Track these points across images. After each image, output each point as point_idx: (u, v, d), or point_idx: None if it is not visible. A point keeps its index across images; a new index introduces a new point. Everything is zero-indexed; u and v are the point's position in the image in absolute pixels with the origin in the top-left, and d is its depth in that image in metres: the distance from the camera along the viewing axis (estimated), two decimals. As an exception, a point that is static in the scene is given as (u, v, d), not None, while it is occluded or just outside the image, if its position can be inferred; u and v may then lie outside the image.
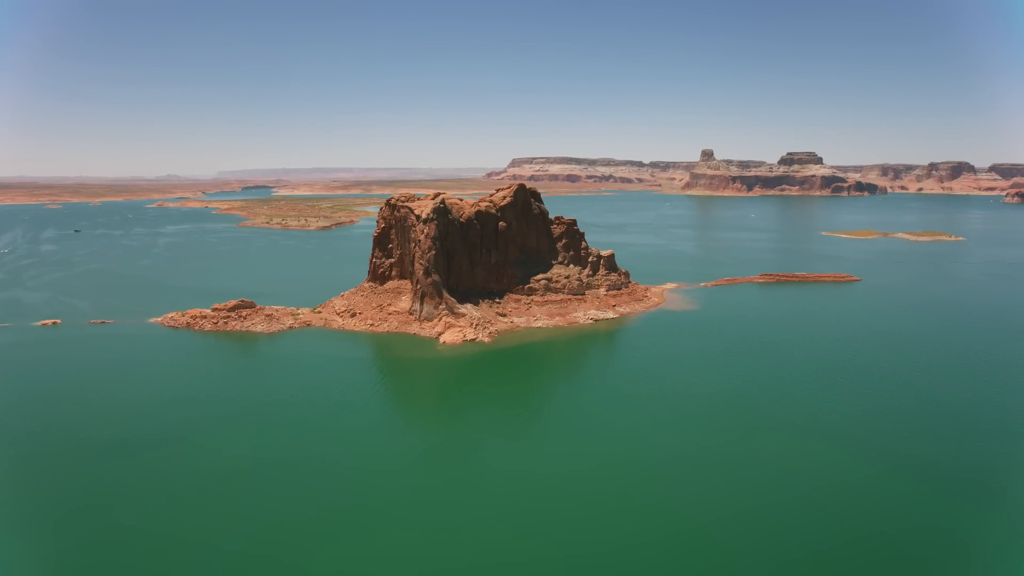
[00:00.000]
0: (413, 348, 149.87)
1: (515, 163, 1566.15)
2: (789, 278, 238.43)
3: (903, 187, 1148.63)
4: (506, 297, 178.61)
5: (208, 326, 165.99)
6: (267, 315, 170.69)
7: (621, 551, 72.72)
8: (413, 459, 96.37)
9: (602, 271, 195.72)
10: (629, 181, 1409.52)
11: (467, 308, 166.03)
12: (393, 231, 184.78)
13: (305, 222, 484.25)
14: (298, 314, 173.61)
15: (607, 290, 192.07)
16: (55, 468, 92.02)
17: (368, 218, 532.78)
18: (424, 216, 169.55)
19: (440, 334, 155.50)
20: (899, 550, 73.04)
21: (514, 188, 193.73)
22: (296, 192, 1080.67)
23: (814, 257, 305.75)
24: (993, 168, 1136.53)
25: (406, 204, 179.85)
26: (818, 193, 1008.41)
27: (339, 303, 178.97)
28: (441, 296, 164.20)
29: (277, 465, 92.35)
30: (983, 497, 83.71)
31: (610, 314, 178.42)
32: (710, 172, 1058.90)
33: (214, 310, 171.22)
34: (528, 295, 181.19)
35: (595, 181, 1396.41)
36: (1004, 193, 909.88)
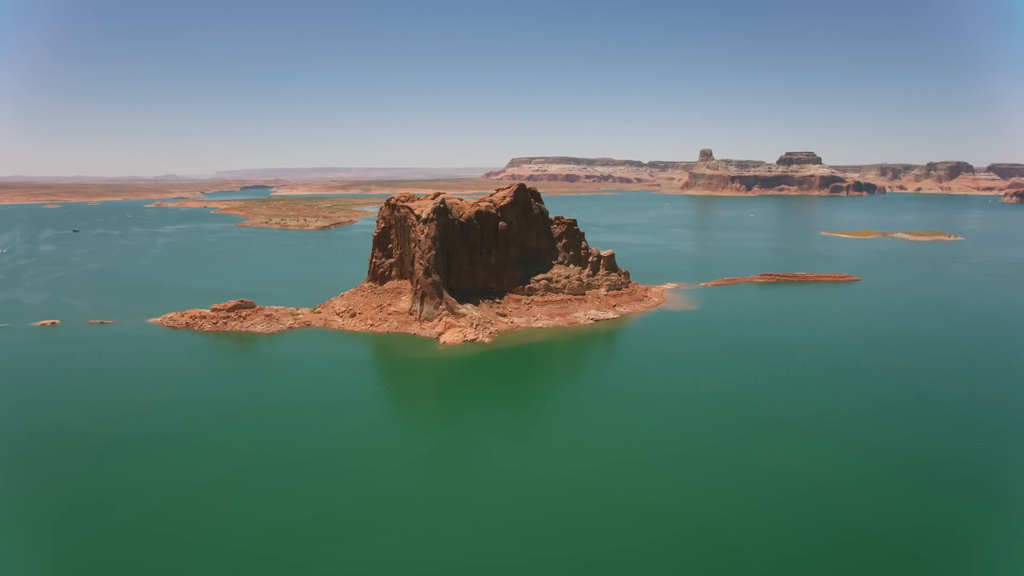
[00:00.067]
0: (413, 348, 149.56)
1: (514, 163, 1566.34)
2: (789, 278, 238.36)
3: (902, 187, 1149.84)
4: (506, 297, 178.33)
5: (207, 326, 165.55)
6: (267, 315, 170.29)
7: (622, 551, 72.56)
8: (414, 459, 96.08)
9: (602, 271, 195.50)
10: (628, 181, 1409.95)
11: (467, 308, 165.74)
12: (393, 231, 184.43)
13: (304, 222, 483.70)
14: (298, 314, 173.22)
15: (607, 290, 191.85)
16: (55, 468, 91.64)
17: (367, 218, 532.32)
18: (424, 216, 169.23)
19: (440, 334, 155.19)
20: (900, 550, 72.96)
21: (514, 188, 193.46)
22: (295, 192, 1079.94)
23: (814, 257, 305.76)
24: (991, 168, 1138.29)
25: (406, 204, 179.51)
26: (817, 193, 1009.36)
27: (339, 303, 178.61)
28: (441, 296, 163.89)
29: (278, 465, 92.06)
30: (984, 497, 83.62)
31: (610, 314, 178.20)
32: (709, 172, 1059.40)
33: (213, 310, 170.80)
34: (528, 295, 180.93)
35: (594, 181, 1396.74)
36: (1002, 193, 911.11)
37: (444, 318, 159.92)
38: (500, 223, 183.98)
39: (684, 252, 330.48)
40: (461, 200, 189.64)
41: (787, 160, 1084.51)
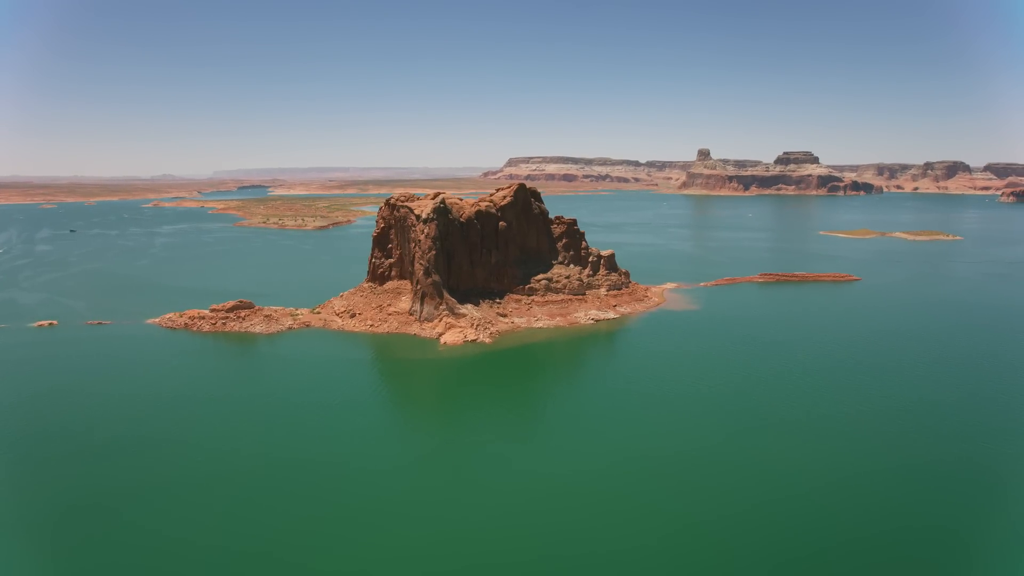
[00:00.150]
0: (414, 349, 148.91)
1: (511, 162, 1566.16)
2: (789, 277, 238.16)
3: (899, 186, 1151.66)
4: (506, 297, 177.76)
5: (206, 327, 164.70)
6: (266, 316, 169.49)
7: (623, 550, 72.40)
8: (415, 460, 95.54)
9: (602, 271, 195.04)
10: (625, 180, 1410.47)
11: (468, 308, 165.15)
12: (393, 231, 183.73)
13: (302, 222, 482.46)
14: (297, 315, 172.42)
15: (608, 290, 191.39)
16: (55, 469, 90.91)
17: (365, 218, 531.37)
18: (424, 216, 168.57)
19: (441, 335, 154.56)
20: (900, 549, 72.84)
21: (514, 188, 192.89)
22: (292, 192, 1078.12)
23: (813, 256, 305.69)
24: (988, 168, 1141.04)
25: (406, 204, 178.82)
26: (814, 192, 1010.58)
27: (338, 303, 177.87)
28: (442, 296, 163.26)
29: (278, 466, 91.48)
30: (984, 497, 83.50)
31: (611, 314, 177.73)
32: (707, 172, 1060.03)
33: (212, 311, 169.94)
34: (529, 295, 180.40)
35: (591, 180, 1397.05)
36: (999, 192, 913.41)
37: (444, 318, 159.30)
38: (500, 223, 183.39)
39: (683, 252, 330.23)
40: (461, 200, 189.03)
41: (784, 160, 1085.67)
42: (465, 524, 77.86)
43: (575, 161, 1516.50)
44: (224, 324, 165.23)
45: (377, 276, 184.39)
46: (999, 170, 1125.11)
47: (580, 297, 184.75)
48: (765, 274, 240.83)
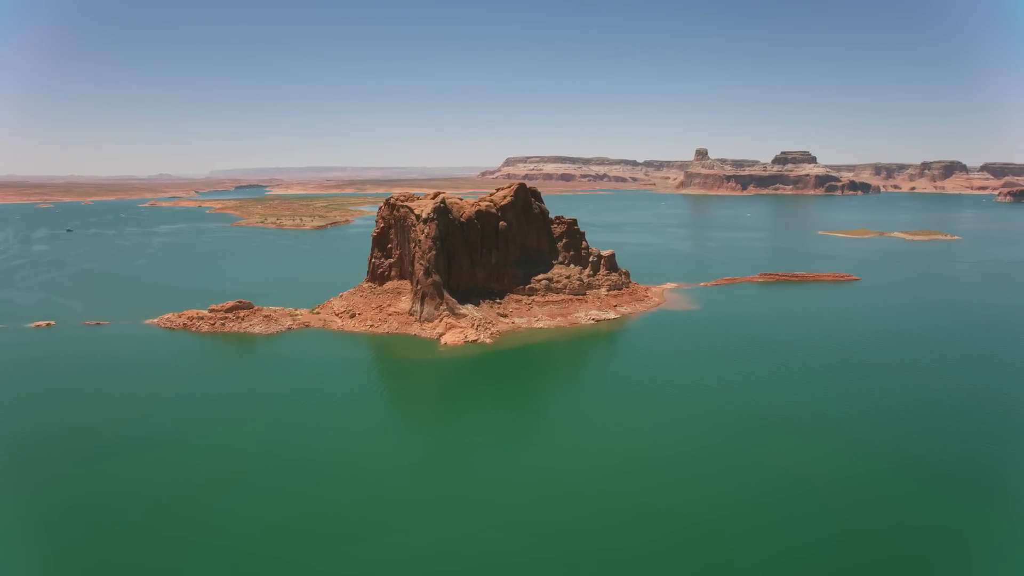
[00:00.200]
0: (414, 349, 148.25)
1: (509, 162, 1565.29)
2: (789, 277, 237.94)
3: (896, 186, 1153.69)
4: (507, 297, 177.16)
5: (205, 327, 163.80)
6: (265, 316, 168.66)
7: (624, 550, 72.33)
8: (416, 460, 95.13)
9: (603, 271, 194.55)
10: (623, 180, 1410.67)
11: (468, 309, 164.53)
12: (392, 231, 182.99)
13: (300, 221, 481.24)
14: (296, 315, 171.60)
15: (608, 290, 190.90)
16: (53, 470, 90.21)
17: (363, 217, 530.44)
18: (424, 216, 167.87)
19: (441, 335, 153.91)
20: (901, 549, 72.81)
21: (515, 187, 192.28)
22: (290, 191, 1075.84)
23: (812, 256, 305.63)
24: (985, 167, 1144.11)
25: (406, 204, 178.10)
26: (812, 192, 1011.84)
27: (338, 304, 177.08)
28: (442, 297, 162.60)
29: (279, 466, 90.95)
30: (985, 497, 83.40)
31: (611, 314, 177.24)
32: (704, 171, 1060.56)
33: (211, 311, 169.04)
34: (529, 295, 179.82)
35: (589, 180, 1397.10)
36: (996, 192, 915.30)
37: (445, 319, 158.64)
38: (500, 223, 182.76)
39: (682, 252, 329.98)
40: (461, 200, 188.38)
41: (782, 159, 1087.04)
42: (465, 524, 77.67)
43: (573, 161, 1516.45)
44: (223, 324, 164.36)
45: (377, 276, 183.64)
46: (996, 170, 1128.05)
47: (580, 297, 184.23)
48: (765, 274, 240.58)
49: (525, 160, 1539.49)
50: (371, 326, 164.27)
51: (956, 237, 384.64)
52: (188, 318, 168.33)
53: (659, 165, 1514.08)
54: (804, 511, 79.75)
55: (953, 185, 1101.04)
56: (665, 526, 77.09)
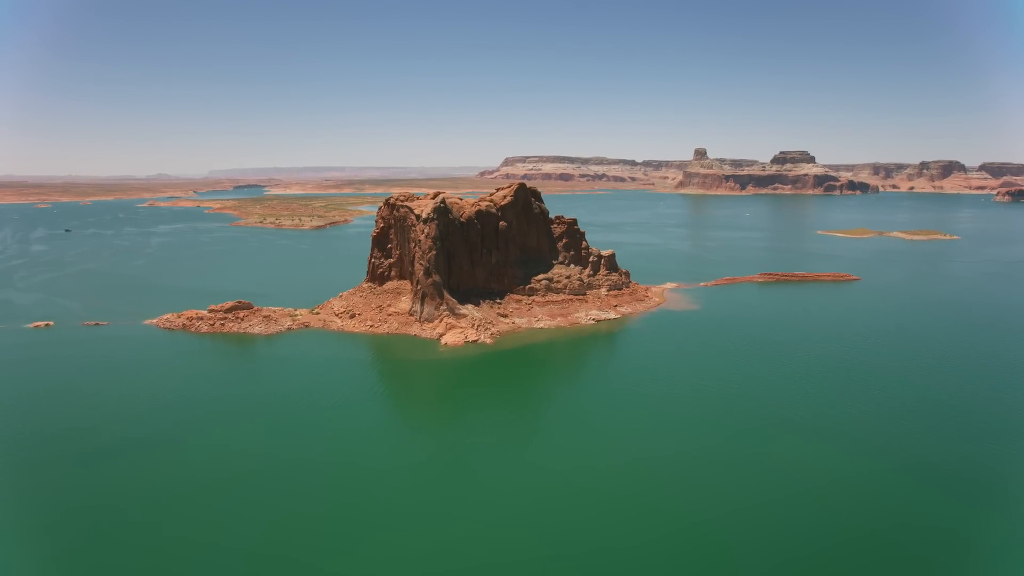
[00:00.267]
0: (414, 350, 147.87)
1: (508, 162, 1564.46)
2: (789, 277, 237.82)
3: (894, 186, 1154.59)
4: (507, 297, 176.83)
5: (205, 328, 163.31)
6: (265, 316, 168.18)
7: (626, 549, 72.40)
8: (418, 460, 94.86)
9: (603, 271, 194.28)
10: (622, 180, 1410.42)
11: (468, 309, 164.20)
12: (392, 231, 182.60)
13: (299, 221, 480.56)
14: (296, 315, 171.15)
15: (608, 290, 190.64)
16: (53, 471, 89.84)
17: (362, 217, 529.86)
18: (424, 216, 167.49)
19: (441, 335, 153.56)
20: (901, 549, 72.82)
21: (515, 187, 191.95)
22: (288, 191, 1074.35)
23: (811, 256, 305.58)
24: (983, 167, 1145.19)
25: (406, 204, 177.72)
26: (810, 192, 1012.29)
27: (337, 304, 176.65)
28: (442, 297, 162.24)
29: (280, 467, 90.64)
30: (986, 497, 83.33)
31: (612, 314, 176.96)
32: (703, 171, 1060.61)
33: (211, 311, 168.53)
34: (529, 295, 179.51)
35: (588, 180, 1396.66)
36: (995, 192, 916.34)
37: (445, 319, 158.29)
38: (500, 223, 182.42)
39: (682, 251, 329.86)
40: (461, 200, 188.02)
41: (781, 159, 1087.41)
42: (466, 524, 77.61)
43: (571, 160, 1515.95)
44: (222, 325, 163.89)
45: (377, 276, 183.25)
46: (994, 169, 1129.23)
47: (581, 297, 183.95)
48: (765, 274, 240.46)
49: (524, 160, 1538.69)
50: (371, 326, 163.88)
51: (955, 237, 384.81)
52: (187, 318, 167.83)
53: (658, 165, 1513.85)
54: (804, 511, 79.74)
55: (951, 185, 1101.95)
56: (665, 526, 77.13)
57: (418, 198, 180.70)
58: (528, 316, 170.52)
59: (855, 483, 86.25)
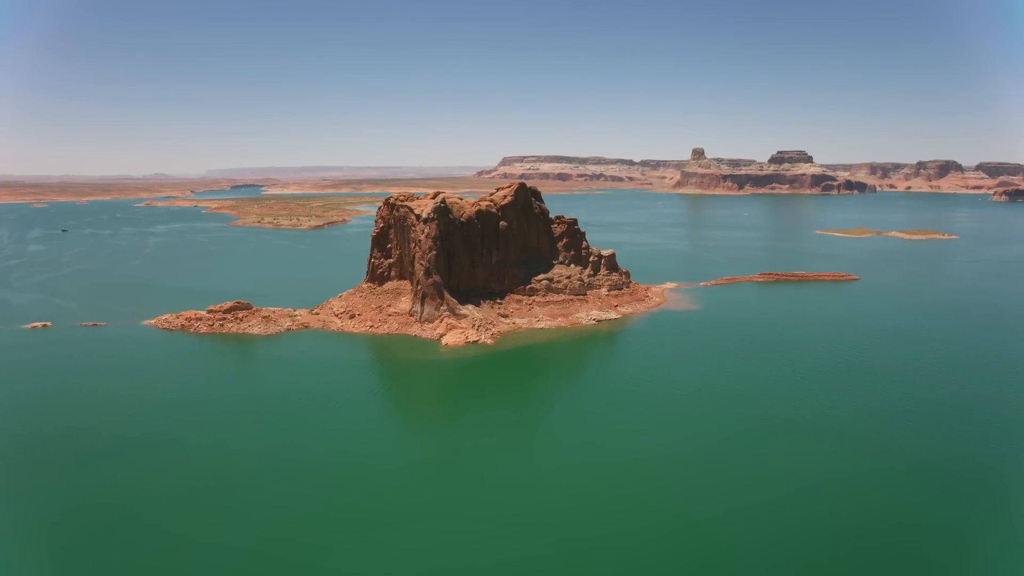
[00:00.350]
0: (415, 350, 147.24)
1: (505, 161, 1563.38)
2: (788, 277, 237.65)
3: (891, 185, 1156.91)
4: (507, 298, 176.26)
5: (204, 328, 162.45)
6: (264, 317, 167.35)
7: (626, 548, 72.26)
8: (419, 461, 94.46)
9: (603, 271, 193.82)
10: (619, 180, 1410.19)
11: (468, 309, 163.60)
12: (392, 231, 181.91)
13: (297, 221, 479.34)
14: (296, 316, 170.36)
15: (608, 290, 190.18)
16: (52, 472, 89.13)
17: (361, 217, 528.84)
18: (425, 216, 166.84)
19: (442, 336, 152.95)
20: (901, 548, 72.68)
21: (515, 187, 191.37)
22: (286, 191, 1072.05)
23: (810, 256, 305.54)
24: (980, 167, 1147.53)
25: (405, 204, 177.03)
26: (808, 191, 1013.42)
27: (337, 304, 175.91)
28: (442, 297, 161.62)
29: (280, 468, 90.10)
30: (987, 497, 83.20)
31: (612, 314, 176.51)
32: (701, 171, 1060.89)
33: (209, 312, 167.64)
34: (529, 295, 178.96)
35: (585, 180, 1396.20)
36: (992, 191, 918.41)
37: (445, 319, 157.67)
38: (501, 223, 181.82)
39: (681, 251, 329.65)
40: (461, 199, 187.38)
41: (778, 159, 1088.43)
42: (466, 523, 77.42)
43: (569, 160, 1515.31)
44: (221, 325, 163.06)
45: (376, 276, 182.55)
46: (991, 169, 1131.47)
47: (581, 297, 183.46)
48: (765, 274, 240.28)
49: (522, 160, 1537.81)
50: (371, 327, 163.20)
51: (953, 236, 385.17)
52: (186, 319, 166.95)
53: (655, 164, 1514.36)
54: (804, 511, 79.64)
55: (948, 184, 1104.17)
56: (666, 525, 77.08)
57: (418, 198, 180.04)
58: (529, 316, 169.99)
59: (855, 483, 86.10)
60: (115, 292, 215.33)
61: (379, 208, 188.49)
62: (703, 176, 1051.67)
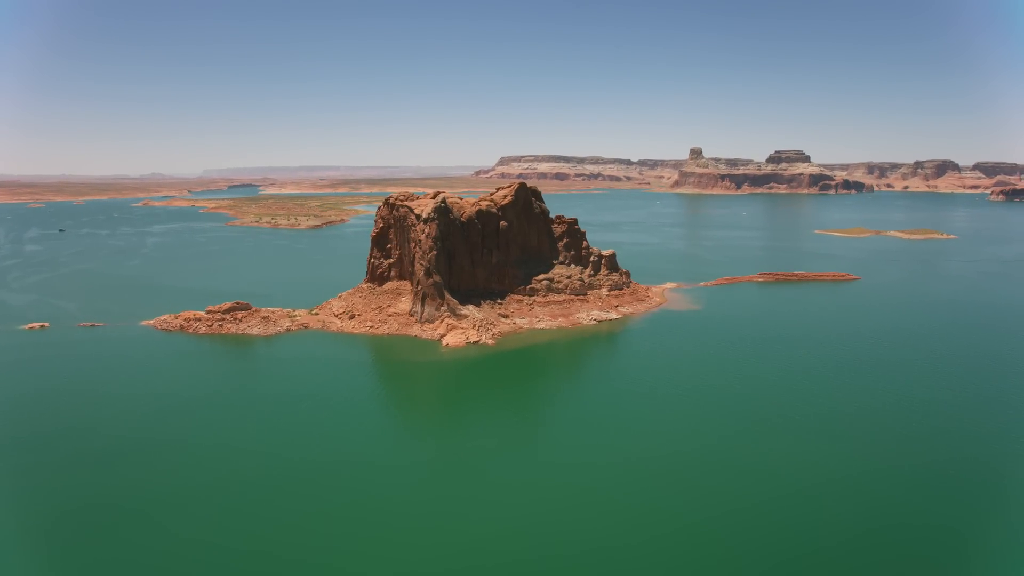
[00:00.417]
0: (415, 351, 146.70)
1: (503, 161, 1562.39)
2: (788, 277, 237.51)
3: (889, 185, 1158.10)
4: (508, 298, 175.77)
5: (203, 329, 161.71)
6: (263, 317, 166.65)
7: (626, 548, 72.23)
8: (419, 461, 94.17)
9: (603, 271, 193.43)
10: (617, 179, 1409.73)
11: (469, 309, 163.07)
12: (392, 231, 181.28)
13: (295, 221, 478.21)
14: (295, 316, 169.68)
15: (609, 290, 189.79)
16: (52, 473, 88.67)
17: (359, 217, 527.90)
18: (425, 216, 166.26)
19: (442, 336, 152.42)
20: (902, 548, 72.61)
21: (515, 187, 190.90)
22: (284, 191, 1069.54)
23: (810, 255, 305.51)
24: (977, 167, 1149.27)
25: (405, 203, 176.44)
26: (806, 191, 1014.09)
27: (336, 304, 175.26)
28: (443, 297, 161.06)
29: (280, 468, 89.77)
30: (988, 497, 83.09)
31: (613, 314, 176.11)
32: (699, 170, 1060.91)
33: (208, 312, 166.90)
34: (530, 295, 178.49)
35: (584, 179, 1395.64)
36: (989, 191, 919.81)
37: (446, 320, 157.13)
38: (501, 223, 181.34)
39: (680, 251, 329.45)
40: (461, 199, 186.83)
41: (776, 158, 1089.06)
42: (467, 523, 77.31)
43: (567, 160, 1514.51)
44: (221, 326, 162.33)
45: (376, 276, 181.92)
46: (988, 169, 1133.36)
47: (582, 297, 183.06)
48: (765, 273, 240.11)
49: (519, 159, 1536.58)
50: (371, 327, 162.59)
51: (952, 236, 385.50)
52: (185, 319, 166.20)
53: (653, 164, 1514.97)
54: (804, 511, 79.61)
55: (946, 184, 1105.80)
56: (666, 525, 77.07)
57: (418, 198, 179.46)
58: (529, 316, 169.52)
59: (855, 482, 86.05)
60: (113, 292, 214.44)
61: (379, 208, 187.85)
62: (701, 176, 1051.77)
